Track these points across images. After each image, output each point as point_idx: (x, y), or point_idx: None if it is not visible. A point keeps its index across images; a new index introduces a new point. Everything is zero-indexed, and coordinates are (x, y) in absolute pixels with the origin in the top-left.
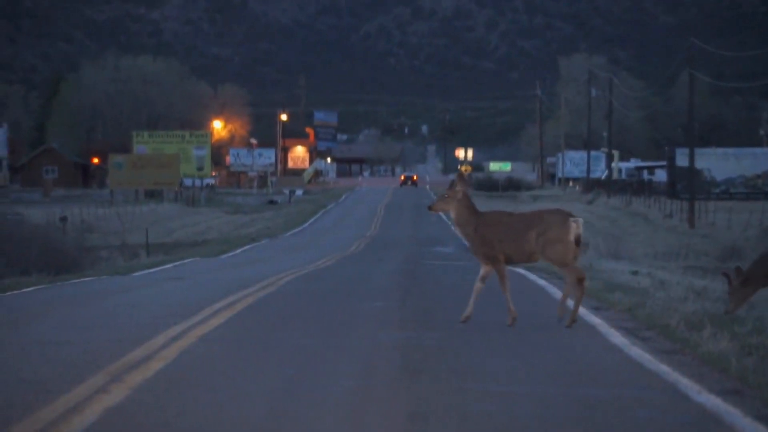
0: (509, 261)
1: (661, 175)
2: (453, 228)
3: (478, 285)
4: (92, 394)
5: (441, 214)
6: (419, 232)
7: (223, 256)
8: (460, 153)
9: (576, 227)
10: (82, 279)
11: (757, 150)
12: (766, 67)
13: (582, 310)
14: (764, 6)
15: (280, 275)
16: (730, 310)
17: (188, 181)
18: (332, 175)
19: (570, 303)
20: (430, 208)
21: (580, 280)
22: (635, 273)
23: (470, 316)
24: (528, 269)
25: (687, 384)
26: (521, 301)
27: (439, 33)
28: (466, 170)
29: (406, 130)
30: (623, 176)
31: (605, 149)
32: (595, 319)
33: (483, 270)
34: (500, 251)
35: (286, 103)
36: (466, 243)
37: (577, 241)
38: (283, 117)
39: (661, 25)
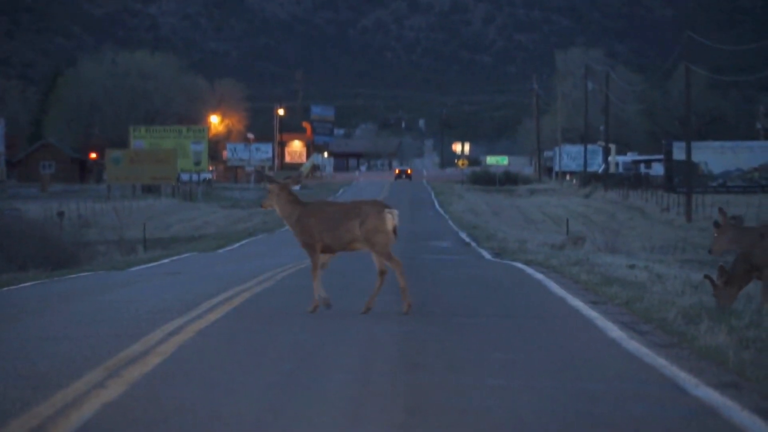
0: (328, 249)
1: (658, 169)
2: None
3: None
4: (90, 390)
5: (441, 211)
6: (416, 227)
7: (221, 251)
8: (457, 147)
9: (392, 218)
10: (80, 274)
11: (754, 143)
12: (763, 60)
13: (579, 304)
14: None
15: (277, 270)
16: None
17: (185, 176)
18: (329, 169)
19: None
20: (261, 205)
21: (383, 273)
22: (632, 267)
23: (329, 302)
24: (526, 263)
25: (684, 377)
26: (519, 295)
27: (437, 27)
28: (463, 164)
29: (404, 125)
30: (620, 170)
31: (602, 143)
32: (592, 313)
33: (318, 257)
34: (319, 240)
35: (284, 98)
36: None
37: (394, 231)
38: (281, 111)
39: (658, 18)
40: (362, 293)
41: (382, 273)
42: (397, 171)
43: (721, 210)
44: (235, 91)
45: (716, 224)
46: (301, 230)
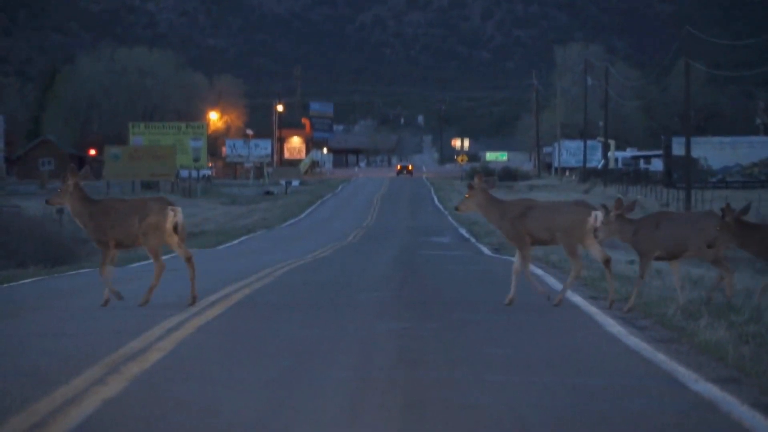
0: (120, 245)
1: (657, 165)
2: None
3: (108, 268)
4: (90, 386)
5: (441, 207)
6: (415, 222)
7: (220, 248)
8: (456, 143)
9: (173, 215)
10: (79, 271)
11: (754, 138)
12: (762, 55)
13: (579, 300)
14: None
15: (276, 266)
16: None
17: (184, 173)
18: (328, 165)
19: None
20: (48, 201)
21: (189, 259)
22: (632, 262)
23: (119, 295)
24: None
25: (684, 373)
26: (518, 291)
27: (435, 23)
28: (462, 160)
29: (402, 121)
30: (620, 165)
31: (601, 138)
32: (591, 309)
33: (109, 254)
34: (112, 237)
35: (282, 94)
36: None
37: (176, 228)
38: (279, 108)
39: (657, 13)
40: (361, 289)
41: (189, 259)
42: (398, 167)
43: (479, 174)
44: (233, 87)
45: (470, 186)
46: (93, 228)
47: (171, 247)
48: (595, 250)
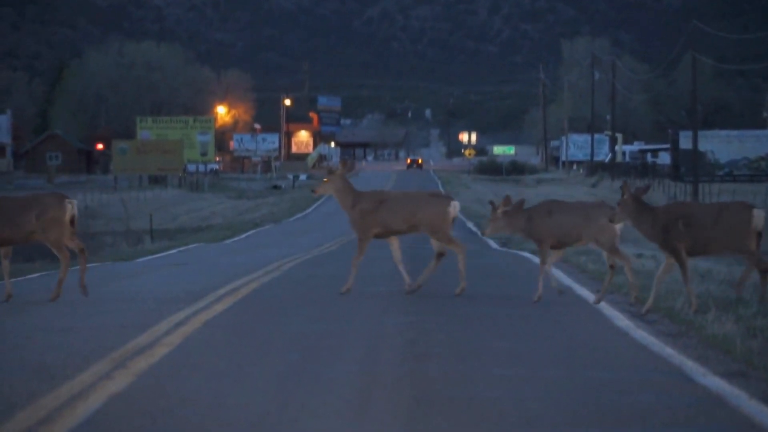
0: (8, 242)
1: (664, 158)
2: None
3: (5, 263)
4: (97, 381)
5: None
6: None
7: (227, 242)
8: (463, 137)
9: (71, 208)
10: (86, 265)
11: (761, 132)
12: None
13: (586, 293)
14: None
15: (283, 260)
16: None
17: (192, 167)
18: (336, 159)
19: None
20: None
21: (82, 250)
22: (639, 256)
23: (11, 295)
24: (534, 254)
25: (692, 366)
26: (526, 285)
27: (442, 17)
28: (469, 154)
29: (410, 115)
30: (627, 159)
31: (609, 132)
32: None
33: (3, 251)
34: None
35: (290, 88)
36: None
37: (72, 221)
38: (287, 102)
39: (664, 7)
40: (368, 284)
41: (82, 250)
42: (408, 160)
43: (343, 161)
44: (241, 81)
45: (330, 170)
46: None
47: (46, 240)
48: (436, 243)
